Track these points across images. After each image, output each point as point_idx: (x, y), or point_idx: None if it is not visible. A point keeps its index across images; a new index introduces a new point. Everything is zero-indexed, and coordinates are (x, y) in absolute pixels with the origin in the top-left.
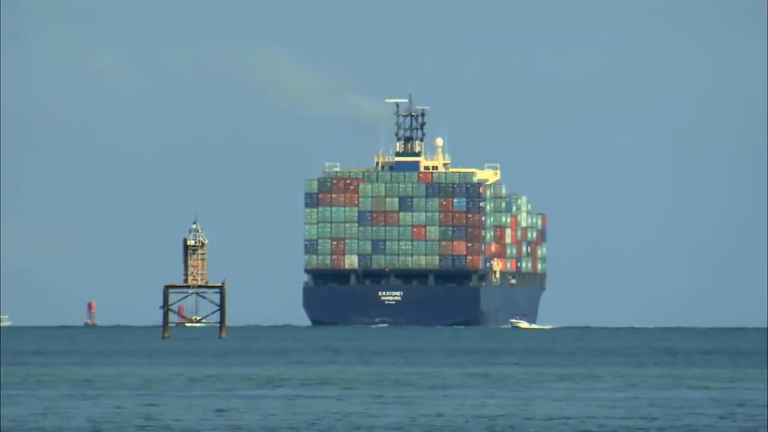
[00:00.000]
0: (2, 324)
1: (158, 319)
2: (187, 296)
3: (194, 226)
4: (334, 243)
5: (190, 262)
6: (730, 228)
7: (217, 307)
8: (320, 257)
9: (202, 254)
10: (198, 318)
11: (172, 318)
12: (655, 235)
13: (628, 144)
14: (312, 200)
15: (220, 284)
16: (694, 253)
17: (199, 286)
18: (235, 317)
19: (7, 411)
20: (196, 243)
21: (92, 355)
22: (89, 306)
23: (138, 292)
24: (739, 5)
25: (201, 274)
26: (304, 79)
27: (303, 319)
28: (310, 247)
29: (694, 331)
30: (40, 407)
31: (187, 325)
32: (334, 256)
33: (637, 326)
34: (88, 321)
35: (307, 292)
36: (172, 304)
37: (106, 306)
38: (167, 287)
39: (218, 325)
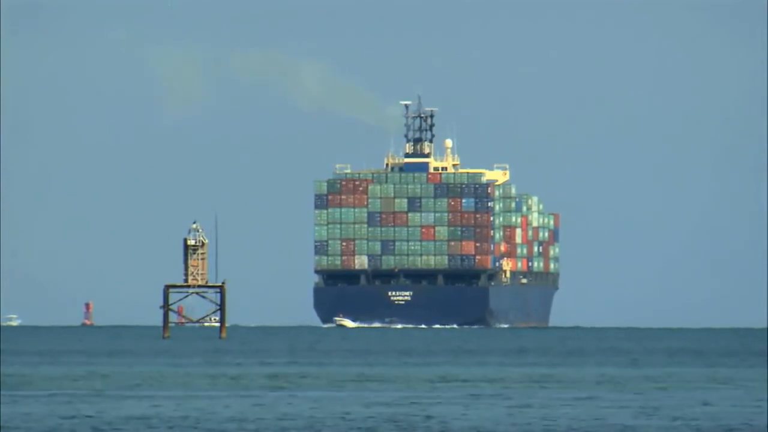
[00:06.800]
0: (12, 323)
1: (157, 319)
2: (187, 296)
3: (194, 225)
4: (344, 244)
5: (190, 262)
6: (745, 227)
7: (218, 307)
8: (330, 258)
9: (202, 254)
10: (212, 317)
11: (172, 318)
12: (666, 235)
13: (639, 144)
14: (322, 201)
15: (220, 284)
16: (706, 253)
17: (199, 286)
18: (244, 318)
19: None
20: (196, 243)
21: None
22: (86, 306)
23: (138, 292)
24: (745, 5)
25: (201, 274)
26: (314, 81)
27: (314, 320)
28: (320, 248)
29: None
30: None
31: (206, 324)
32: (344, 257)
33: (646, 327)
34: (86, 321)
35: (318, 292)
36: (172, 304)
37: (105, 306)
38: (167, 287)
39: (218, 324)
